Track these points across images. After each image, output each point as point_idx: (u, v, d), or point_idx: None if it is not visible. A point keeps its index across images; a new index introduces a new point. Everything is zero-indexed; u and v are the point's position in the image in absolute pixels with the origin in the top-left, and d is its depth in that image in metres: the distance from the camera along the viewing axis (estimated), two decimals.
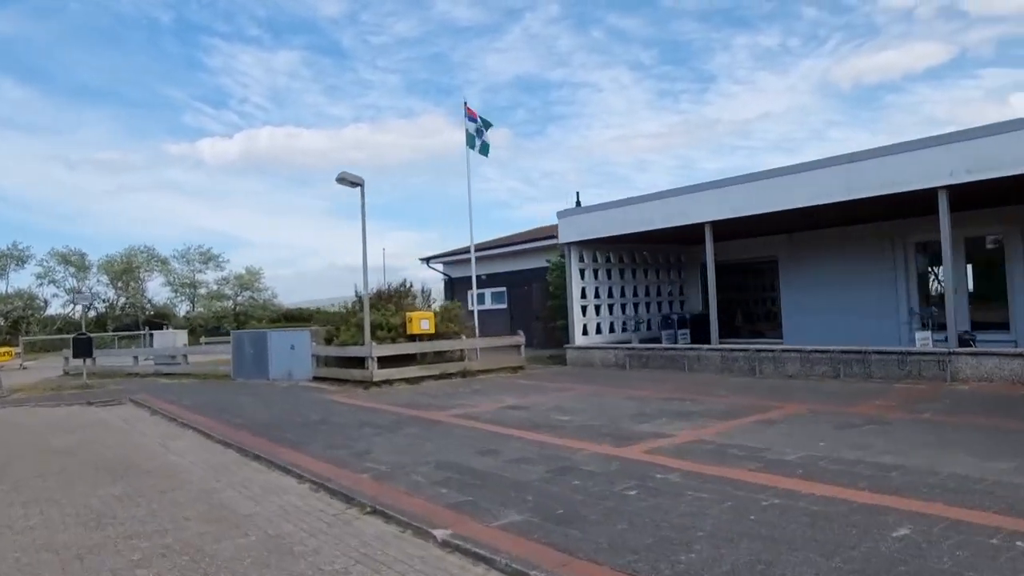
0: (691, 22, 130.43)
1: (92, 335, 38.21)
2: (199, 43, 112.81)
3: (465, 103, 18.54)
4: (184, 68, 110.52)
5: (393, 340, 15.85)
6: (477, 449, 8.61)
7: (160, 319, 65.05)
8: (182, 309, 68.18)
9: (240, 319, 66.04)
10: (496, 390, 14.38)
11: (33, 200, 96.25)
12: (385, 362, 15.12)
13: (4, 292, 58.59)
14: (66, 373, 23.57)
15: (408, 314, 16.28)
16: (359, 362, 15.43)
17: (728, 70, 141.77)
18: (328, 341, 17.21)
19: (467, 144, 18.68)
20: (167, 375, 19.55)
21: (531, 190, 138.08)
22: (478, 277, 23.58)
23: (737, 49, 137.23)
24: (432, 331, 16.21)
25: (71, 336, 18.76)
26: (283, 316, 69.17)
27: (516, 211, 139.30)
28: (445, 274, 30.94)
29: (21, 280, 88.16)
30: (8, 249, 58.43)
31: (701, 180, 17.26)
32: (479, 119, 18.66)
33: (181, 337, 21.03)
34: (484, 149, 18.95)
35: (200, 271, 67.58)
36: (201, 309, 66.63)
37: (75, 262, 61.38)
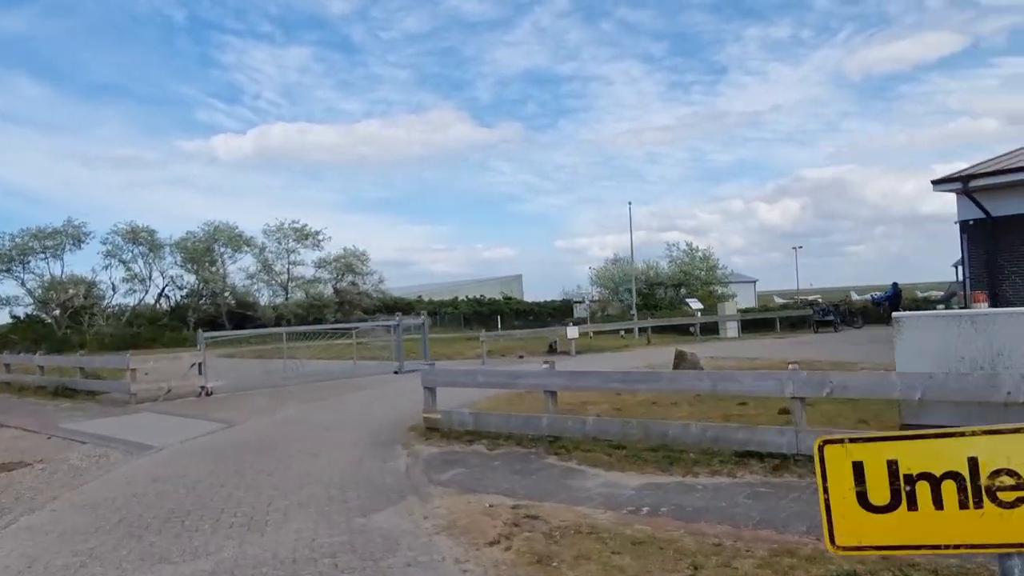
0: (701, 14, 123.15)
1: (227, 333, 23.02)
2: (212, 40, 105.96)
3: None
4: (197, 65, 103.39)
5: None
6: None
7: (243, 309, 49.71)
8: (264, 296, 52.51)
9: (344, 308, 50.83)
10: None
11: (50, 196, 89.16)
12: None
13: (59, 277, 42.99)
14: (432, 421, 8.56)
15: None
16: None
17: (739, 61, 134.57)
18: None
19: None
20: None
21: (545, 183, 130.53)
22: None
23: (748, 40, 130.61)
24: None
25: None
26: (385, 306, 54.12)
27: (529, 204, 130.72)
28: (983, 210, 15.78)
29: (79, 264, 75.96)
30: (63, 227, 42.70)
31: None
32: None
33: None
34: None
35: (294, 251, 51.97)
36: (299, 296, 51.20)
37: (144, 239, 45.78)
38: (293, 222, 49.84)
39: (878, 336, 21.91)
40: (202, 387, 14.22)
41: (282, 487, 6.59)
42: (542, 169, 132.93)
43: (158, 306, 47.87)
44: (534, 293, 69.21)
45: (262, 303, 51.59)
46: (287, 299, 51.22)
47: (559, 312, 58.56)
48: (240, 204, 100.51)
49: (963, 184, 15.38)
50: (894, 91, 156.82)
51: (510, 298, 64.46)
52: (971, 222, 15.92)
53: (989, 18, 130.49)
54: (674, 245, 51.84)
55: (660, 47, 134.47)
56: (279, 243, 51.00)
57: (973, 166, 16.02)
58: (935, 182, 16.02)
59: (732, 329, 24.08)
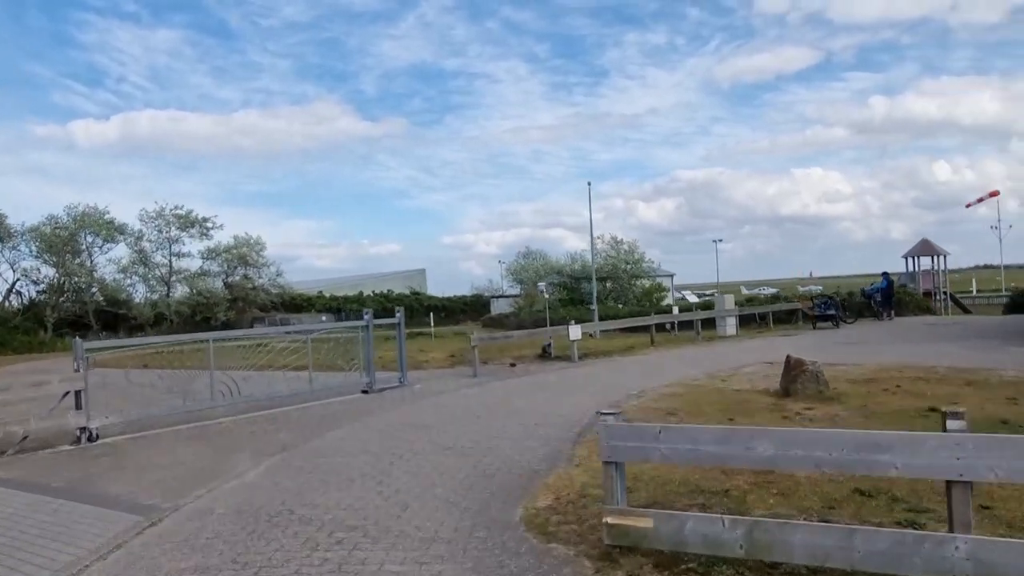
0: (583, 17, 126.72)
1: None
2: (69, 17, 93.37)
3: None
4: (52, 44, 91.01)
5: None
6: None
7: (115, 308, 41.78)
8: (140, 292, 44.45)
9: (238, 305, 44.07)
10: None
11: None
12: None
13: None
14: (629, 534, 4.22)
15: None
16: None
17: (619, 65, 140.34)
18: None
19: None
20: None
21: (431, 179, 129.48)
22: None
23: (627, 45, 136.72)
24: None
25: None
26: (283, 303, 47.67)
27: (415, 201, 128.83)
28: None
29: None
30: None
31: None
32: None
33: None
34: None
35: (178, 240, 44.25)
36: (183, 291, 43.68)
37: None
38: (176, 207, 42.41)
39: (887, 330, 19.19)
40: (82, 429, 8.81)
41: None
42: (428, 165, 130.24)
43: (7, 304, 39.38)
44: (430, 288, 65.15)
45: (137, 300, 43.73)
46: (168, 295, 43.70)
47: (471, 307, 54.33)
48: (104, 195, 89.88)
49: None
50: (759, 99, 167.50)
51: (418, 293, 59.63)
52: None
53: (840, 36, 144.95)
54: (599, 238, 48.84)
55: (544, 48, 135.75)
56: (159, 231, 43.33)
57: None
58: None
59: (731, 326, 20.70)
